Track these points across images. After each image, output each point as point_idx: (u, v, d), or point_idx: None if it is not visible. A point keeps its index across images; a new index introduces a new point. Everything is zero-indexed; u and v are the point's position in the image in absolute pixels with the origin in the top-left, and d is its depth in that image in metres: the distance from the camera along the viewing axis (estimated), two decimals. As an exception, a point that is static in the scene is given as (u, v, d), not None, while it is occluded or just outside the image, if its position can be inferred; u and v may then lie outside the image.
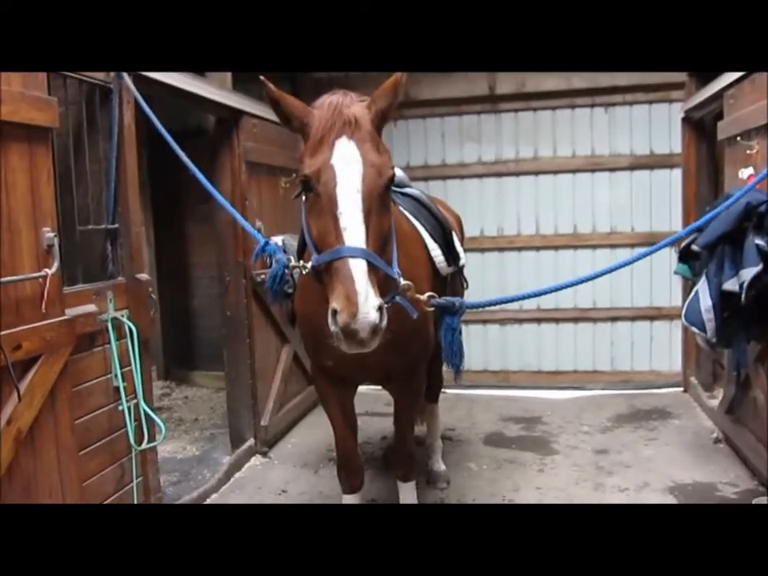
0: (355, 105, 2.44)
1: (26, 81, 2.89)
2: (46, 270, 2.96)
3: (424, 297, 2.66)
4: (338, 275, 2.24)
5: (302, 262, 2.72)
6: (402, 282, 2.58)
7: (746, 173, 4.45)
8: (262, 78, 2.42)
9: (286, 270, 3.21)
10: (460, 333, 2.82)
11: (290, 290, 3.66)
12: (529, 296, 2.95)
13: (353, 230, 2.27)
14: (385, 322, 2.24)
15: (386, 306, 2.42)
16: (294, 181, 5.74)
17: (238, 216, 3.47)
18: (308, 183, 2.39)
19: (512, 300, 3.04)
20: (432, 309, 2.72)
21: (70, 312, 3.17)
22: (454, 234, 4.00)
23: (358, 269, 2.21)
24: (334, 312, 2.20)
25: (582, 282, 2.87)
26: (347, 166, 2.33)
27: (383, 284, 2.40)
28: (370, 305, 2.17)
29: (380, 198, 2.38)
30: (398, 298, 2.62)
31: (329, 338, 2.58)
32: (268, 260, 3.52)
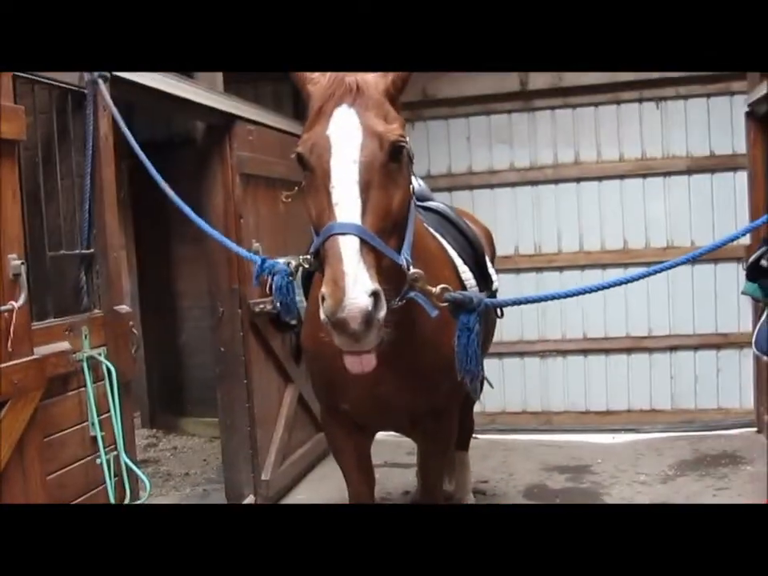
0: (362, 73, 2.44)
1: (-12, 87, 2.94)
2: (12, 302, 2.98)
3: (437, 289, 2.60)
4: (327, 257, 2.21)
5: (301, 257, 2.68)
6: (412, 270, 2.47)
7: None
8: None
9: (291, 278, 3.18)
10: (477, 335, 2.76)
11: (293, 322, 3.67)
12: (559, 296, 2.86)
13: (345, 204, 2.25)
14: (382, 313, 2.17)
15: (398, 302, 2.41)
16: (296, 193, 5.77)
17: (221, 237, 3.45)
18: (303, 160, 2.40)
19: (540, 300, 2.99)
20: (445, 304, 2.66)
21: (40, 351, 3.18)
22: (485, 253, 4.00)
23: (347, 247, 2.16)
24: (323, 299, 2.14)
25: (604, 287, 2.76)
26: (343, 135, 2.33)
27: (393, 277, 2.37)
28: (359, 289, 2.10)
29: (383, 171, 2.34)
30: (412, 294, 2.54)
31: (344, 377, 2.51)
32: (269, 282, 3.52)
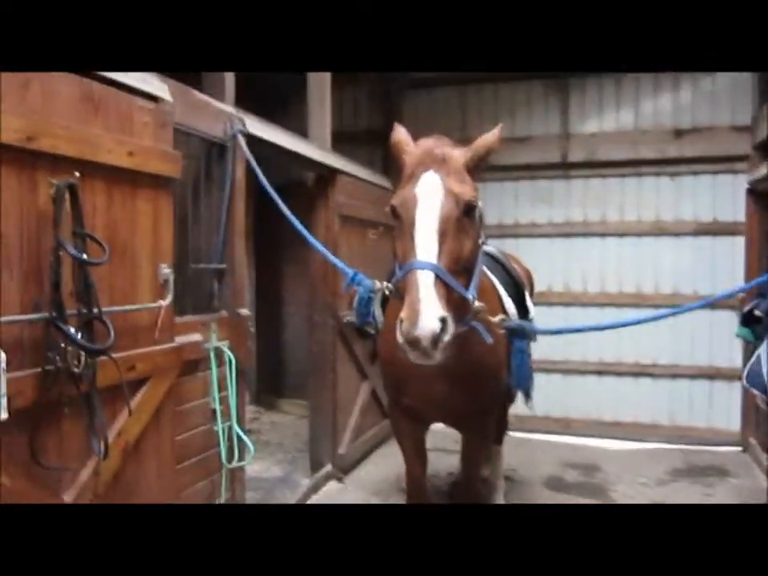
0: (447, 147, 2.45)
1: (156, 136, 3.01)
2: (161, 301, 3.04)
3: (496, 319, 2.55)
4: (407, 287, 2.19)
5: (384, 283, 2.68)
6: (477, 303, 2.44)
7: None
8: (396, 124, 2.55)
9: (372, 294, 3.18)
10: (529, 356, 2.71)
11: (372, 331, 3.63)
12: (590, 329, 2.79)
13: (424, 246, 2.24)
14: (449, 336, 2.12)
15: (462, 327, 2.35)
16: (380, 232, 5.79)
17: (328, 253, 3.49)
18: (395, 211, 2.40)
19: (575, 331, 2.92)
20: (503, 331, 2.59)
21: (179, 340, 3.23)
22: (525, 289, 3.93)
23: (423, 279, 2.15)
24: (401, 322, 2.12)
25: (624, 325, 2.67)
26: (427, 193, 2.32)
27: (459, 308, 2.33)
28: (432, 314, 2.07)
29: (458, 223, 2.32)
30: (473, 322, 2.51)
31: (409, 380, 2.48)
32: (355, 297, 3.51)
